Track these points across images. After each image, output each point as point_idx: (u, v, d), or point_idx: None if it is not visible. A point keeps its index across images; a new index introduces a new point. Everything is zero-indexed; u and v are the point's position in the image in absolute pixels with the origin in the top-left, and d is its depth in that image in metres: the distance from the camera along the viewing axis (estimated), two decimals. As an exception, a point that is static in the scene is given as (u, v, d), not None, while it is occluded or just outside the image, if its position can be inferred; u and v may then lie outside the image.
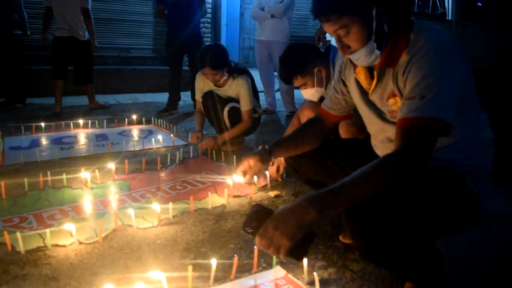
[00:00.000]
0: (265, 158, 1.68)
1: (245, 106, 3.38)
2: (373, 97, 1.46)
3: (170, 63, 5.49)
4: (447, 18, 8.77)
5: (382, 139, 1.50)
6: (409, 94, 1.25)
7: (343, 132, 2.32)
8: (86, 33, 5.32)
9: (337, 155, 1.76)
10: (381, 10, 1.29)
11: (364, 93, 1.51)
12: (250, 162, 1.67)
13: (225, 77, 3.35)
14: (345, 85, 1.65)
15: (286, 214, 1.17)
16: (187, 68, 5.54)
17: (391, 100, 1.38)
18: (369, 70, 1.45)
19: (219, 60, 3.25)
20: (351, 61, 1.49)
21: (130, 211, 2.05)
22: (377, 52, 1.33)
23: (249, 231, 1.24)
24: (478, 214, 1.35)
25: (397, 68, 1.32)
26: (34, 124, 4.13)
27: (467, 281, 1.66)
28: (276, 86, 5.90)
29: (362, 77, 1.48)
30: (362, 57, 1.36)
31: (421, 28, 1.31)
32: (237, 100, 3.44)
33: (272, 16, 5.14)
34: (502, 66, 3.00)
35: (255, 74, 4.32)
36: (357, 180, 1.19)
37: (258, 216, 1.23)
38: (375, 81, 1.41)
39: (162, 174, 2.86)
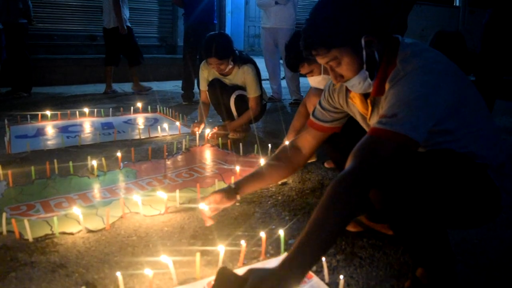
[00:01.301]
0: (230, 196, 1.67)
1: (252, 93, 3.36)
2: (371, 122, 1.45)
3: (186, 50, 5.40)
4: (454, 4, 8.66)
5: None
6: (382, 113, 1.24)
7: (312, 105, 2.49)
8: (127, 20, 5.84)
9: None
10: (370, 39, 1.29)
11: (363, 116, 1.52)
12: (216, 198, 1.66)
13: (230, 66, 3.32)
14: (339, 109, 1.64)
15: None
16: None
17: None
18: (364, 95, 1.45)
19: (224, 50, 3.22)
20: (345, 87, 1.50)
21: (137, 199, 2.05)
22: (370, 81, 1.34)
23: None
24: (499, 208, 1.32)
25: (384, 95, 1.31)
26: (40, 112, 4.14)
27: (476, 268, 1.65)
28: (282, 74, 5.87)
29: (357, 102, 1.49)
30: (355, 85, 1.37)
31: (405, 52, 1.30)
32: (243, 88, 3.42)
33: (277, 3, 5.08)
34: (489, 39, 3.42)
35: (261, 62, 4.29)
36: (320, 225, 1.10)
37: (226, 285, 1.10)
38: (369, 109, 1.42)
39: (169, 162, 2.85)
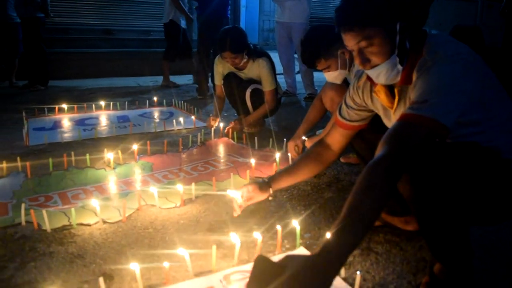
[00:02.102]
0: (264, 189, 1.73)
1: (268, 86, 3.35)
2: (396, 114, 1.43)
3: (200, 44, 5.41)
4: (473, -2, 8.53)
5: None
6: (412, 100, 1.24)
7: (328, 99, 2.56)
8: (173, 15, 5.89)
9: None
10: (405, 25, 1.29)
11: (386, 110, 1.52)
12: (249, 188, 1.71)
13: (244, 60, 3.32)
14: (364, 107, 1.65)
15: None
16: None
17: None
18: (389, 88, 1.44)
19: (239, 43, 3.21)
20: (369, 80, 1.49)
21: (153, 191, 2.06)
22: (399, 67, 1.33)
23: None
24: None
25: (412, 85, 1.32)
26: (57, 106, 4.18)
27: (492, 266, 1.62)
28: (296, 68, 5.84)
29: (382, 96, 1.48)
30: (383, 72, 1.35)
31: (431, 43, 1.31)
32: (258, 82, 3.41)
33: None
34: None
35: (275, 56, 4.27)
36: (356, 212, 1.07)
37: (264, 274, 1.05)
38: (396, 98, 1.41)
39: (184, 155, 2.86)
